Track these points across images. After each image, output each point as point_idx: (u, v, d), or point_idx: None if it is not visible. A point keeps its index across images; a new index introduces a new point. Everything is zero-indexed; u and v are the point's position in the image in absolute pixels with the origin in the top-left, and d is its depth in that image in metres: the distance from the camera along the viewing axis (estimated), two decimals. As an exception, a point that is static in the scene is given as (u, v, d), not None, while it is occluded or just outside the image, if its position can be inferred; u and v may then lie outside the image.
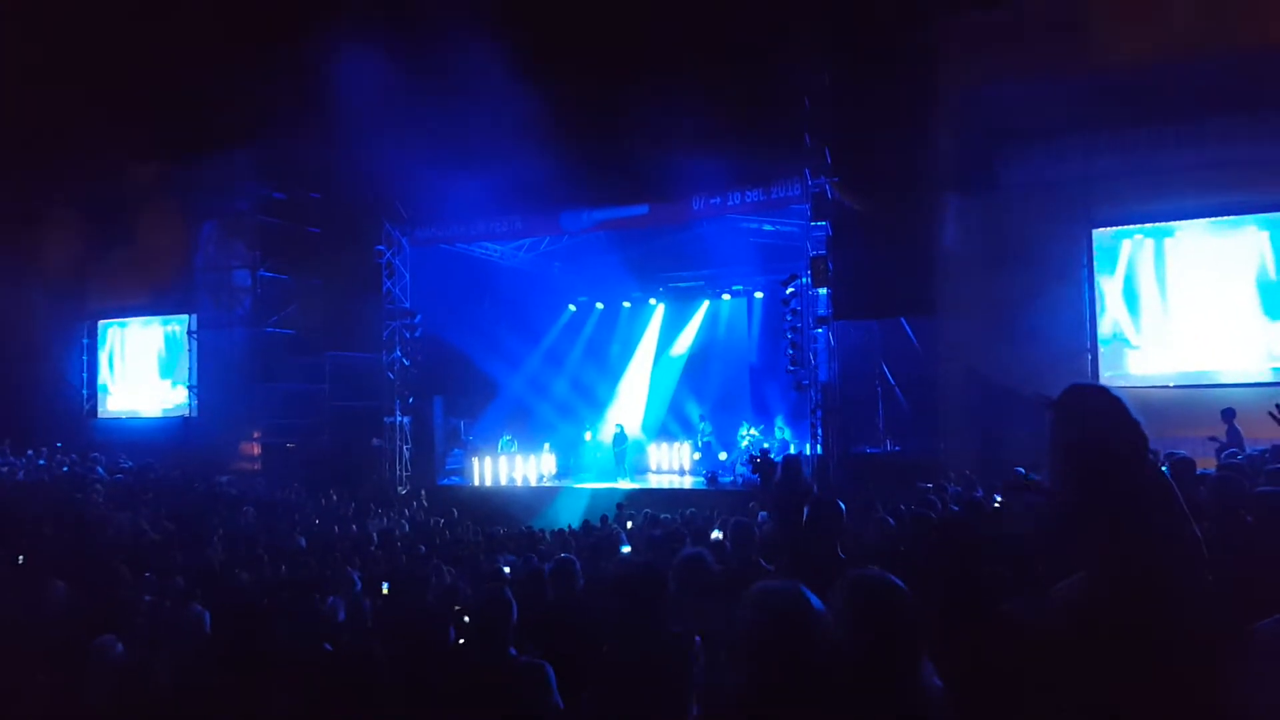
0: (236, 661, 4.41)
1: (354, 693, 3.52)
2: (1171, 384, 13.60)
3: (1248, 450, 8.15)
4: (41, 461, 16.97)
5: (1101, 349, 14.37)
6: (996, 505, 5.81)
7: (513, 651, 3.10)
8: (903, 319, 14.36)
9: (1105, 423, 1.83)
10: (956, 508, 6.47)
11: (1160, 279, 14.15)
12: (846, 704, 1.72)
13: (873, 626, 1.81)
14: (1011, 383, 12.77)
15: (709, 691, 2.36)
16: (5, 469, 15.60)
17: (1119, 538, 1.75)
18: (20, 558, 8.96)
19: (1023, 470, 9.06)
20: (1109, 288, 14.45)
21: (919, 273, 13.61)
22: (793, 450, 17.18)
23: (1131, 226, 14.30)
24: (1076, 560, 1.83)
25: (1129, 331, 14.33)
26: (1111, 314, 14.43)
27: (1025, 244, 13.99)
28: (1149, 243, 14.25)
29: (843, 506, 3.45)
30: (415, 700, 3.13)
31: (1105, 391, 1.94)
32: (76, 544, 9.53)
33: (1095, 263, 14.45)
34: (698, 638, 2.58)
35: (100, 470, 16.69)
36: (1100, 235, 14.46)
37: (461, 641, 4.42)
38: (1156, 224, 14.14)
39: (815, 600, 1.82)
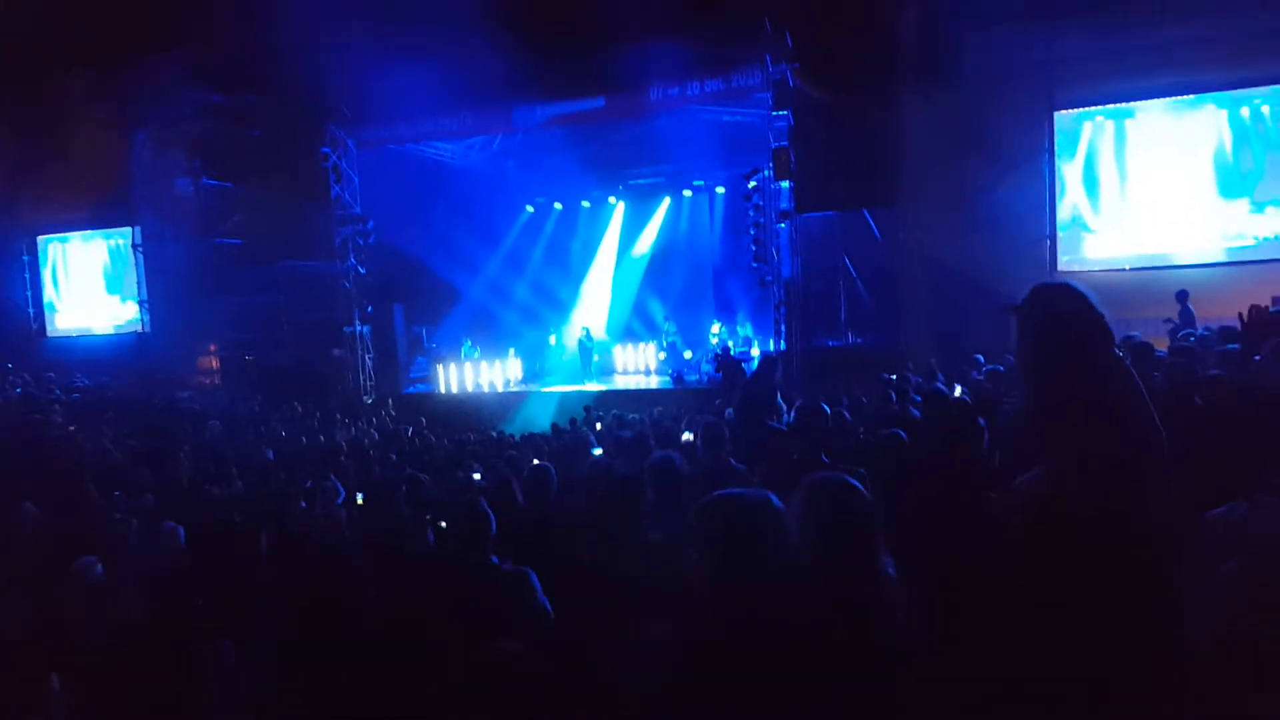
0: (216, 578, 4.42)
1: (337, 604, 3.55)
2: (1128, 267, 13.86)
3: (1199, 330, 8.39)
4: (-8, 384, 16.59)
5: (1060, 234, 14.52)
6: (958, 395, 5.91)
7: (495, 560, 3.13)
8: (865, 210, 14.30)
9: (1070, 322, 1.84)
10: (918, 398, 6.61)
11: (1120, 161, 14.22)
12: (806, 601, 1.76)
13: (829, 527, 1.84)
14: (972, 272, 12.91)
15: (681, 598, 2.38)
16: (-46, 393, 15.23)
17: (1083, 432, 1.77)
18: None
19: (982, 358, 9.28)
20: (1069, 172, 14.50)
21: (881, 163, 13.48)
22: (756, 347, 17.35)
23: (1093, 108, 14.26)
24: (1041, 455, 1.86)
25: (1087, 215, 14.47)
26: (1071, 198, 14.53)
27: (987, 131, 13.91)
28: (1109, 124, 14.25)
29: (828, 410, 3.46)
30: (400, 609, 3.17)
31: (1070, 289, 1.94)
32: (40, 466, 9.38)
33: (1056, 147, 14.45)
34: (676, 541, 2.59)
35: (56, 391, 16.35)
36: (1062, 118, 14.42)
37: (441, 549, 4.47)
38: (1118, 105, 14.10)
39: (778, 503, 1.83)
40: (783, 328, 14.33)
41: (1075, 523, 1.73)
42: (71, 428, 12.28)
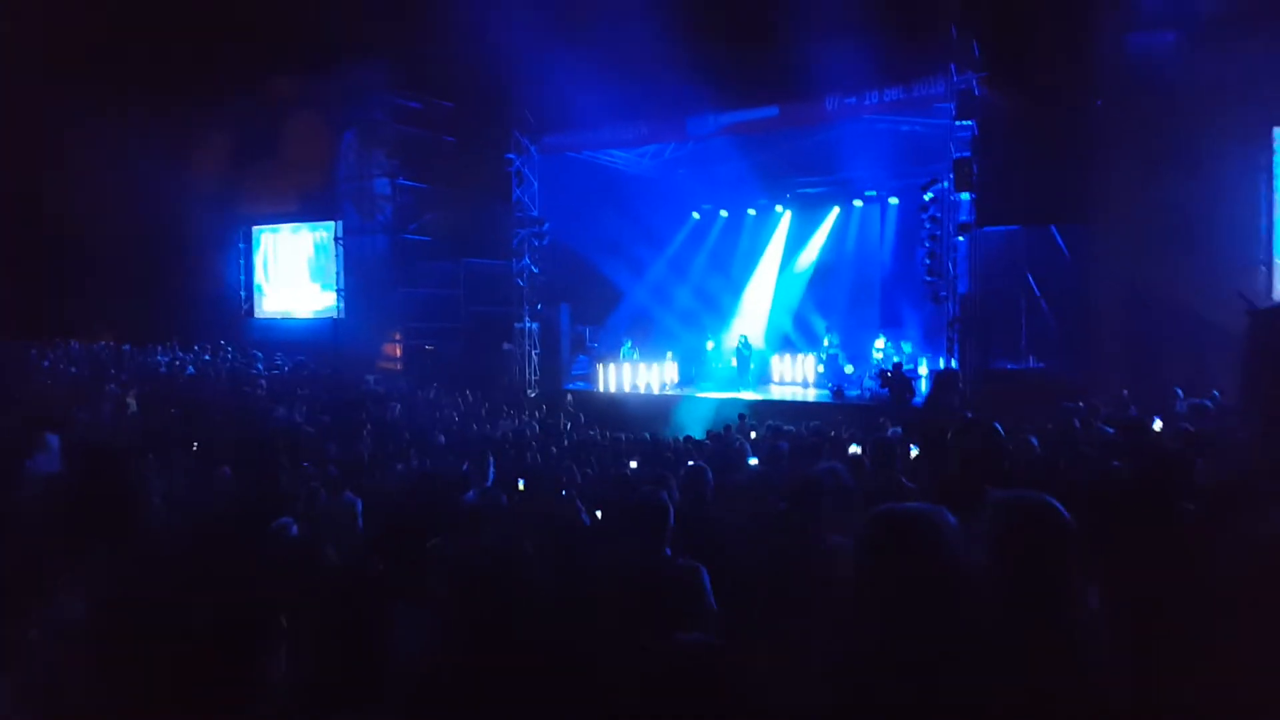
0: (392, 549, 4.71)
1: (505, 585, 3.71)
2: (1359, 302, 12.31)
3: None
4: (207, 357, 18.47)
5: (1276, 260, 13.11)
6: (1155, 429, 5.47)
7: (668, 553, 3.18)
8: (1052, 227, 13.45)
9: None
10: (1109, 429, 6.16)
11: (1355, 182, 12.66)
12: (991, 627, 1.68)
13: (1022, 546, 1.74)
14: (1173, 297, 11.89)
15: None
16: (177, 363, 17.06)
17: None
18: (195, 445, 9.87)
19: (1180, 392, 8.54)
20: (1290, 193, 13.05)
21: (1074, 176, 12.63)
22: (925, 365, 16.70)
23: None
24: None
25: (1310, 242, 12.97)
26: (1292, 222, 13.06)
27: (1195, 146, 12.70)
28: (1343, 141, 12.72)
29: (1000, 429, 3.30)
30: (568, 596, 3.27)
31: None
32: (239, 434, 10.37)
33: (1275, 165, 13.05)
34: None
35: (259, 366, 18.03)
36: (1282, 134, 13.00)
37: (609, 538, 4.58)
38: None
39: (950, 519, 1.75)
40: (956, 347, 13.72)
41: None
42: (271, 402, 13.49)
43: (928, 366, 16.59)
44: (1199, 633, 1.58)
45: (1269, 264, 13.08)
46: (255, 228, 24.55)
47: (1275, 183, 13.05)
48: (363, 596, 3.88)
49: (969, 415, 4.76)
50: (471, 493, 6.96)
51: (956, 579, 1.70)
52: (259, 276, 24.71)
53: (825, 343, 18.83)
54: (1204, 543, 1.68)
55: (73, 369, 15.18)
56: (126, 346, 17.94)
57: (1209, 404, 6.12)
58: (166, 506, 5.89)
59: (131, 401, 11.46)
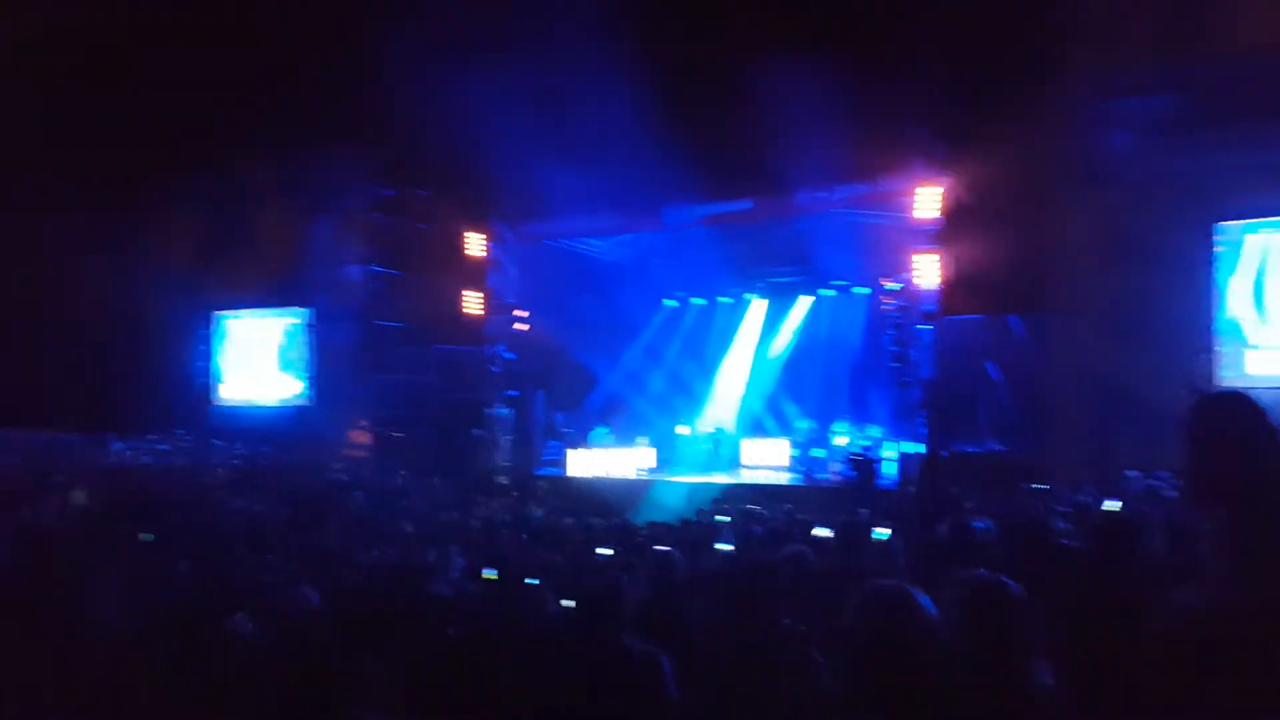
0: (355, 644, 4.60)
1: (472, 673, 3.64)
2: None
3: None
4: (163, 446, 18.05)
5: (1221, 349, 13.66)
6: (1106, 510, 5.57)
7: (625, 639, 3.14)
8: (1011, 316, 13.93)
9: (1243, 428, 1.76)
10: (1064, 509, 6.25)
11: (1289, 275, 13.31)
12: (952, 702, 1.73)
13: (981, 625, 1.83)
14: (1125, 383, 12.32)
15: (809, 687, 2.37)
16: (129, 453, 16.65)
17: (1260, 543, 1.67)
18: (149, 537, 9.60)
19: (1135, 474, 8.70)
20: (1233, 285, 13.71)
21: (1031, 268, 13.16)
22: (890, 450, 16.81)
23: (1259, 220, 13.54)
24: (1200, 571, 1.77)
25: (1251, 331, 13.59)
26: (1233, 312, 13.70)
27: (1143, 239, 13.40)
28: (1277, 237, 13.45)
29: (974, 527, 3.38)
30: (529, 682, 3.22)
31: (1242, 399, 1.86)
32: (199, 526, 10.12)
33: (1218, 259, 13.73)
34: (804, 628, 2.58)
35: (218, 455, 17.71)
36: (1225, 229, 13.73)
37: (569, 626, 4.52)
38: (1286, 217, 13.31)
39: (925, 601, 1.82)
40: (922, 431, 13.94)
41: (1245, 641, 1.62)
42: (230, 492, 13.20)
43: (896, 451, 16.72)
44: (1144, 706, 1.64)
45: (1214, 352, 13.61)
46: (220, 314, 24.37)
47: (1216, 275, 13.70)
48: (324, 692, 3.78)
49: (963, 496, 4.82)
50: (439, 582, 6.85)
51: (935, 650, 1.77)
52: (222, 363, 24.42)
53: (798, 427, 18.98)
54: (1147, 617, 1.75)
55: (15, 459, 14.79)
56: (74, 436, 17.46)
57: (1159, 484, 6.26)
58: (117, 601, 5.72)
59: (80, 494, 11.13)
